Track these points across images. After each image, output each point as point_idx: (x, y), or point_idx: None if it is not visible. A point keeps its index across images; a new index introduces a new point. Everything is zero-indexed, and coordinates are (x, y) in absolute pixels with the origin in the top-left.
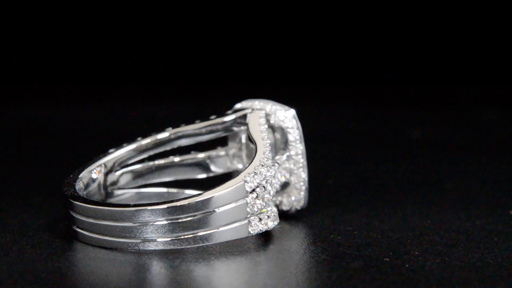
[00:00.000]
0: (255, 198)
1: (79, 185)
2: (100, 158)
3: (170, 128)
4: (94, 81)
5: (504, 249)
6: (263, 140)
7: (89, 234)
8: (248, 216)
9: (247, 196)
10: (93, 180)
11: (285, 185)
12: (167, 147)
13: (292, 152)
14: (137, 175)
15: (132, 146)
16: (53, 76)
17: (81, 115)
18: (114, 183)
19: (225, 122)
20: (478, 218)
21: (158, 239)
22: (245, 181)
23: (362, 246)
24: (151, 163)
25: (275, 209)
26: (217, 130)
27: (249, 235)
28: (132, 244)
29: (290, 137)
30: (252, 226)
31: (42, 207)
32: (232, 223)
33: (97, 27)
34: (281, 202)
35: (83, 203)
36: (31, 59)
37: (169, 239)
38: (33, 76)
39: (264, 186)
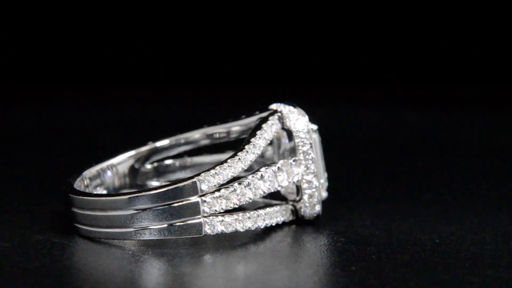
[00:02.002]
0: (217, 198)
1: (80, 182)
2: (107, 159)
3: (205, 125)
4: (94, 81)
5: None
6: (250, 143)
7: (87, 228)
8: (206, 215)
9: (205, 195)
10: (102, 182)
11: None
12: (195, 145)
13: (301, 157)
14: (165, 171)
15: (145, 147)
16: (53, 76)
17: (81, 115)
18: (144, 176)
19: (251, 122)
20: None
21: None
22: (199, 180)
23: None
24: (179, 160)
25: (262, 212)
26: (247, 130)
27: (205, 234)
28: (128, 233)
29: (299, 142)
30: (209, 226)
31: (42, 205)
32: (183, 220)
33: (97, 27)
34: (299, 208)
35: (79, 195)
36: (31, 59)
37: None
38: (33, 76)
39: (234, 187)
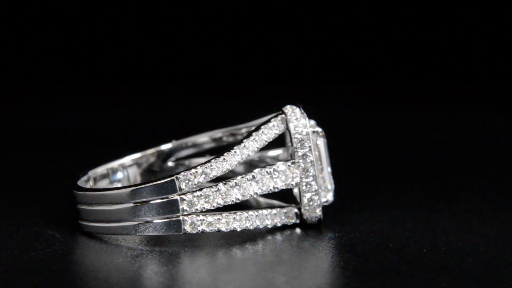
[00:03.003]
0: (198, 197)
1: (85, 182)
2: (114, 160)
3: (227, 127)
4: (94, 81)
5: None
6: (241, 144)
7: (91, 224)
8: (185, 213)
9: (184, 194)
10: (111, 182)
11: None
12: (200, 148)
13: (299, 160)
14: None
15: (153, 150)
16: (53, 76)
17: (82, 115)
18: (164, 174)
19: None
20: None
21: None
22: (178, 178)
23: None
24: (201, 159)
25: (252, 213)
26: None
27: (185, 232)
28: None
29: (297, 144)
30: (190, 224)
31: (49, 202)
32: (162, 217)
33: (97, 27)
34: (303, 213)
35: (83, 191)
36: (31, 59)
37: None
38: (33, 76)
39: (218, 187)
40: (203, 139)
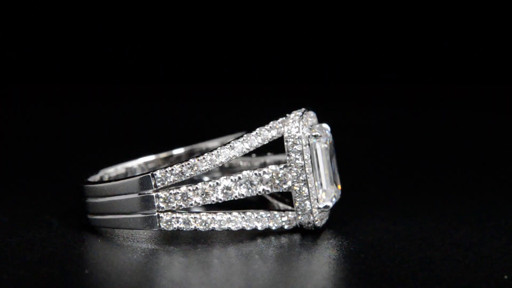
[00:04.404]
0: (174, 194)
1: (96, 179)
2: (123, 161)
3: (244, 131)
4: (94, 81)
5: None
6: (227, 144)
7: (99, 217)
8: (160, 210)
9: (161, 191)
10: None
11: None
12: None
13: (291, 164)
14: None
15: (163, 154)
16: (53, 76)
17: (82, 115)
18: None
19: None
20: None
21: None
22: (153, 175)
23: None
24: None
25: (236, 214)
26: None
27: (160, 229)
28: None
29: (288, 148)
30: (165, 221)
31: (51, 202)
32: (136, 213)
33: (97, 27)
34: (296, 218)
35: (91, 184)
36: (31, 59)
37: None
38: (33, 76)
39: (197, 186)
40: (214, 144)
